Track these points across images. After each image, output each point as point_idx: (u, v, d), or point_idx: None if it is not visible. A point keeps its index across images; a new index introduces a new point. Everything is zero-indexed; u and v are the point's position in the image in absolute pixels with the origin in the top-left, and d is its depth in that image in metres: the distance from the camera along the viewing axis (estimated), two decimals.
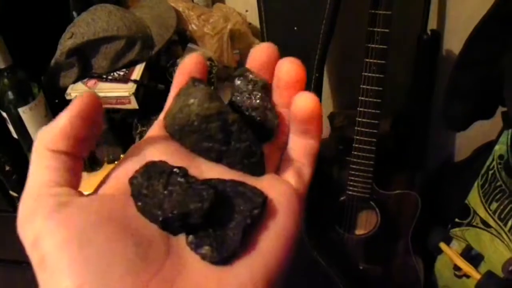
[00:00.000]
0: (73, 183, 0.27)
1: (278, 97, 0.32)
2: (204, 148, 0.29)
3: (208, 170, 0.29)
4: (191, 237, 0.25)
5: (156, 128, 0.31)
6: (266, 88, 0.32)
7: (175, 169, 0.26)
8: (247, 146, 0.28)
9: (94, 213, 0.25)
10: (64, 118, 0.27)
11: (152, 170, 0.26)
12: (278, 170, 0.31)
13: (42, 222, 0.24)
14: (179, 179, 0.26)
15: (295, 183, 0.30)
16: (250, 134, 0.28)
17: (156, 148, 0.29)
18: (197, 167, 0.29)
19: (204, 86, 0.28)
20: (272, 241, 0.26)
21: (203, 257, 0.25)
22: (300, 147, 0.31)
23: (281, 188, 0.29)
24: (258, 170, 0.29)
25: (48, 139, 0.27)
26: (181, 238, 0.26)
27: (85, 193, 0.27)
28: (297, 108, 0.30)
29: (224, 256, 0.25)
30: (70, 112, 0.27)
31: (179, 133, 0.29)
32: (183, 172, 0.26)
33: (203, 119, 0.27)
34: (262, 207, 0.26)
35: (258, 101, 0.31)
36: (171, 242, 0.25)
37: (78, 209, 0.25)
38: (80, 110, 0.27)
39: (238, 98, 0.31)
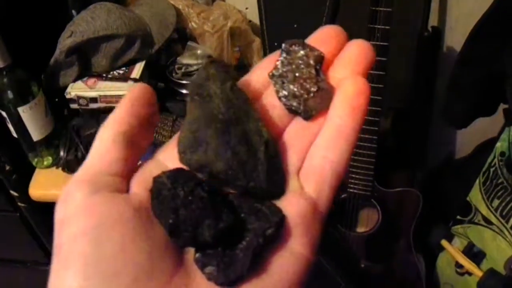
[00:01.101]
0: (125, 173, 0.26)
1: (336, 72, 0.29)
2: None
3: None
4: (198, 254, 0.24)
5: None
6: (321, 59, 0.29)
7: (203, 182, 0.25)
8: (245, 186, 0.26)
9: (121, 207, 0.24)
10: (125, 101, 0.27)
11: (180, 176, 0.25)
12: (302, 169, 0.28)
13: (71, 208, 0.24)
14: (203, 193, 0.24)
15: (316, 193, 0.27)
16: (243, 178, 0.26)
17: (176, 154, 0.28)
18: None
19: (197, 112, 0.26)
20: (285, 265, 0.24)
21: (209, 277, 0.24)
22: (337, 127, 0.28)
23: (301, 206, 0.26)
24: (272, 195, 0.27)
25: (113, 121, 0.27)
26: (192, 253, 0.25)
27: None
28: (350, 84, 0.28)
29: (230, 278, 0.23)
30: (129, 97, 0.27)
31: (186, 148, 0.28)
32: (211, 187, 0.25)
33: (191, 168, 0.26)
34: (277, 228, 0.24)
35: (311, 71, 0.28)
36: (183, 256, 0.25)
37: (105, 201, 0.24)
38: (137, 96, 0.27)
39: (286, 68, 0.29)
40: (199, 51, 1.25)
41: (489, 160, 1.21)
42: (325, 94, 0.28)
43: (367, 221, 1.42)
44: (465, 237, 1.30)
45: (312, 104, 0.28)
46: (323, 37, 0.30)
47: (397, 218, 1.37)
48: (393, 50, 1.12)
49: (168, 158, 0.28)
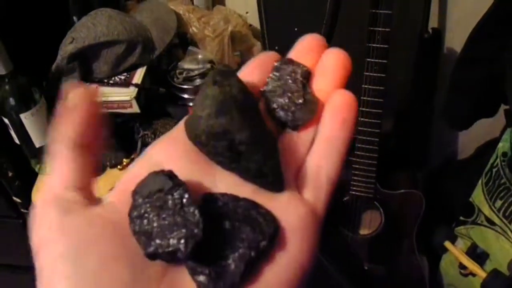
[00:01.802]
0: (85, 186, 0.26)
1: (318, 84, 0.31)
2: (216, 162, 0.27)
3: (223, 179, 0.27)
4: (190, 261, 0.24)
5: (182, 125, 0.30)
6: (307, 75, 0.30)
7: (175, 188, 0.24)
8: (258, 168, 0.26)
9: (95, 225, 0.24)
10: (66, 110, 0.27)
11: (153, 184, 0.25)
12: (298, 177, 0.28)
13: (45, 231, 0.24)
14: (175, 201, 0.24)
15: (313, 198, 0.27)
16: (260, 156, 0.26)
17: (171, 151, 0.27)
18: (211, 175, 0.27)
19: (219, 90, 0.26)
20: (279, 273, 0.24)
21: (199, 286, 0.23)
22: (328, 139, 0.29)
23: (298, 211, 0.26)
24: (274, 188, 0.27)
25: (62, 134, 0.26)
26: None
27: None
28: (337, 97, 0.29)
29: None
30: (68, 105, 0.27)
31: (193, 141, 0.27)
32: (181, 193, 0.24)
33: (209, 136, 0.25)
34: (270, 240, 0.24)
35: (298, 85, 0.30)
36: (168, 266, 0.24)
37: (81, 220, 0.24)
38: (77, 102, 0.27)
39: (275, 83, 0.30)
40: (200, 56, 1.25)
41: (491, 160, 1.21)
42: (311, 105, 0.29)
43: (370, 223, 1.41)
44: (468, 238, 1.30)
45: (299, 115, 0.29)
46: (305, 49, 0.32)
47: (400, 220, 1.37)
48: (394, 52, 1.12)
49: (165, 157, 0.27)
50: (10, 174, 1.15)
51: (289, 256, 0.25)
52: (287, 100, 0.30)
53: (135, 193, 0.25)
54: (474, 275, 1.27)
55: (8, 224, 1.26)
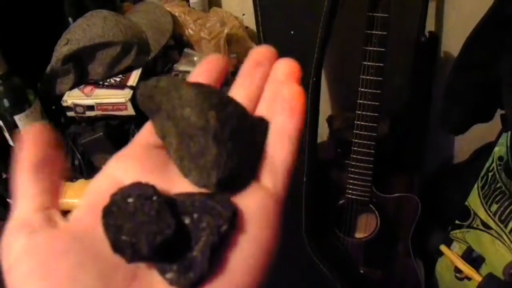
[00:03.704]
0: (51, 206, 0.27)
1: (270, 92, 0.32)
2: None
3: (180, 182, 0.28)
4: (159, 262, 0.24)
5: (144, 132, 0.31)
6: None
7: (155, 195, 0.25)
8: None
9: (62, 240, 0.25)
10: (25, 139, 0.28)
11: (134, 190, 0.25)
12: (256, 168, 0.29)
13: (14, 254, 0.24)
14: (152, 205, 0.24)
15: (272, 185, 0.28)
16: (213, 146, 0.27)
17: (127, 165, 0.29)
18: (169, 179, 0.28)
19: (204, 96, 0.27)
20: (244, 258, 0.25)
21: (170, 283, 0.24)
22: (280, 132, 0.29)
23: (256, 196, 0.27)
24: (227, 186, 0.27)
25: (21, 161, 0.27)
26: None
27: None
28: (286, 89, 0.30)
29: (192, 280, 0.23)
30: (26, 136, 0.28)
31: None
32: (164, 198, 0.25)
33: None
34: (230, 222, 0.25)
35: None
36: (139, 265, 0.25)
37: (46, 237, 0.25)
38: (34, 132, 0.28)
39: None
40: (196, 58, 1.25)
41: (487, 164, 1.21)
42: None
43: (366, 226, 1.41)
44: (464, 242, 1.30)
45: None
46: (254, 63, 0.33)
47: (396, 223, 1.37)
48: (390, 55, 1.12)
49: (122, 171, 0.28)
50: (4, 176, 1.14)
51: (251, 239, 0.25)
52: None
53: (114, 194, 0.25)
54: (469, 279, 1.28)
55: (2, 226, 1.25)
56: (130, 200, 0.25)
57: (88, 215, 0.26)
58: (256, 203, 0.26)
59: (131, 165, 0.28)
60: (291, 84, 0.31)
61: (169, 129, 0.28)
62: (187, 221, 0.25)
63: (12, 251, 0.25)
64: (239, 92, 0.32)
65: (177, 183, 0.28)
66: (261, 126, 0.30)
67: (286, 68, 0.32)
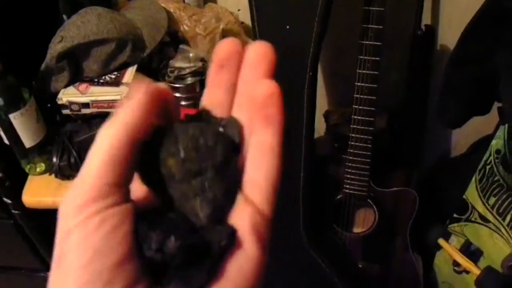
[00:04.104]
0: (123, 180, 0.27)
1: (243, 84, 0.31)
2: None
3: None
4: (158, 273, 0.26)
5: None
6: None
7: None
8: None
9: (121, 224, 0.25)
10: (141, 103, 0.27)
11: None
12: (244, 186, 0.29)
13: (76, 220, 0.25)
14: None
15: (262, 204, 0.28)
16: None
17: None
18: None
19: (195, 130, 0.28)
20: (241, 267, 0.27)
21: None
22: (260, 148, 0.29)
23: (248, 215, 0.28)
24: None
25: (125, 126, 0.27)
26: None
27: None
28: (258, 90, 0.29)
29: None
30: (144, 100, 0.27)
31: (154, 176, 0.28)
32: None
33: (184, 174, 0.28)
34: (230, 239, 0.26)
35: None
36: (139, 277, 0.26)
37: (109, 217, 0.25)
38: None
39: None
40: (191, 54, 1.24)
41: (484, 158, 1.21)
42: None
43: (364, 221, 1.41)
44: (462, 235, 1.30)
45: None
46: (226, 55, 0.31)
47: (394, 217, 1.37)
48: (387, 49, 1.11)
49: None
50: (0, 175, 1.13)
51: (247, 252, 0.27)
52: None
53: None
54: (468, 272, 1.28)
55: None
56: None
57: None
58: (248, 223, 0.27)
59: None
60: (263, 82, 0.29)
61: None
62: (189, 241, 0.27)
63: (75, 216, 0.25)
64: (209, 100, 0.32)
65: None
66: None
67: (255, 60, 0.30)
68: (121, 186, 0.26)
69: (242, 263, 0.27)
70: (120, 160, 0.26)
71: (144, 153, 0.27)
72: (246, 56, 0.31)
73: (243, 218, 0.28)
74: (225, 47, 0.31)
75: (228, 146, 0.29)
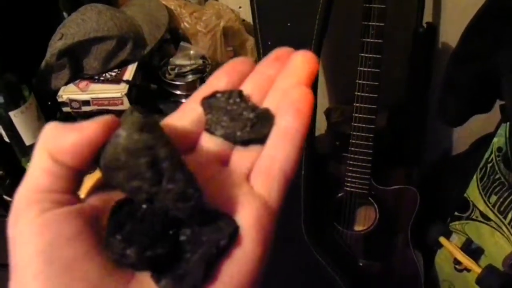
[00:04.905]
0: (70, 189, 0.26)
1: (282, 84, 0.31)
2: (133, 188, 0.25)
3: None
4: (153, 269, 0.25)
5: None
6: (241, 95, 0.31)
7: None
8: (181, 188, 0.24)
9: (70, 225, 0.24)
10: (79, 134, 0.25)
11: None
12: (251, 173, 0.29)
13: (22, 227, 0.24)
14: (154, 217, 0.25)
15: (268, 193, 0.28)
16: (184, 174, 0.25)
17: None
18: None
19: (138, 115, 0.24)
20: (239, 265, 0.26)
21: None
22: (283, 132, 0.29)
23: (253, 208, 0.27)
24: (195, 217, 0.26)
25: (54, 147, 0.25)
26: None
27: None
28: (294, 91, 0.29)
29: None
30: (88, 130, 0.25)
31: (107, 170, 0.25)
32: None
33: (131, 153, 0.24)
34: (230, 238, 0.25)
35: (241, 105, 0.30)
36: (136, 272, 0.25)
37: (56, 219, 0.24)
38: (99, 131, 0.25)
39: (215, 115, 0.30)
40: (192, 52, 1.24)
41: (486, 156, 1.20)
42: (263, 122, 0.29)
43: (365, 219, 1.41)
44: (463, 233, 1.29)
45: (247, 135, 0.29)
46: (271, 59, 0.32)
47: (395, 216, 1.37)
48: (388, 47, 1.11)
49: None
50: (0, 172, 1.13)
51: (245, 251, 0.26)
52: (235, 126, 0.30)
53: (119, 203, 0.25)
54: (469, 270, 1.27)
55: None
56: (144, 206, 0.25)
57: (101, 203, 0.26)
58: (252, 217, 0.27)
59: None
60: (300, 86, 0.29)
61: None
62: (188, 232, 0.25)
63: (21, 222, 0.24)
64: (249, 83, 0.32)
65: None
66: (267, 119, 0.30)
67: (300, 66, 0.30)
68: (63, 189, 0.25)
69: (241, 263, 0.26)
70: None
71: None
72: (289, 62, 0.31)
73: (249, 213, 0.27)
74: (284, 50, 0.32)
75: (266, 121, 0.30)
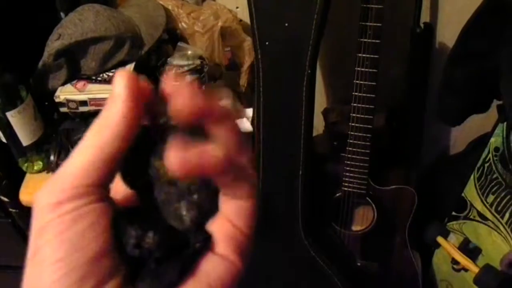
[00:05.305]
0: (103, 182, 0.27)
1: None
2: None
3: None
4: (130, 272, 0.26)
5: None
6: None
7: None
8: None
9: (94, 222, 0.25)
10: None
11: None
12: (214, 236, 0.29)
13: (51, 214, 0.25)
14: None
15: (240, 224, 0.28)
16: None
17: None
18: None
19: None
20: (212, 270, 0.27)
21: None
22: (232, 210, 0.29)
23: (226, 228, 0.28)
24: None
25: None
26: None
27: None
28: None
29: None
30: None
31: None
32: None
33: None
34: (205, 242, 0.27)
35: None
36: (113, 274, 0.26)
37: (83, 214, 0.25)
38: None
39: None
40: (189, 52, 1.24)
41: (483, 155, 1.21)
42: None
43: (363, 219, 1.41)
44: (461, 233, 1.30)
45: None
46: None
47: (393, 215, 1.37)
48: (386, 47, 1.11)
49: None
50: None
51: (222, 254, 0.27)
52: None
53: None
54: (466, 270, 1.28)
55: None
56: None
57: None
58: (224, 234, 0.28)
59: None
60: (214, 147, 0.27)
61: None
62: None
63: (48, 213, 0.25)
64: None
65: None
66: None
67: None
68: (100, 186, 0.26)
69: (217, 266, 0.27)
70: (105, 162, 0.26)
71: (129, 154, 0.27)
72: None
73: (221, 229, 0.28)
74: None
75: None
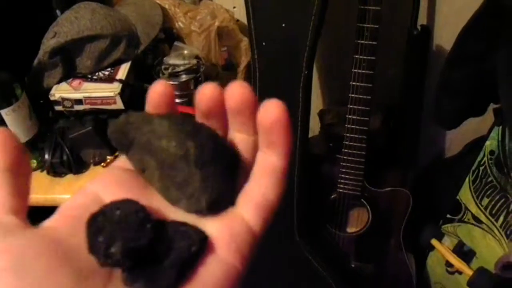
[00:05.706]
0: (20, 210, 0.27)
1: (239, 124, 0.31)
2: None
3: (158, 203, 0.29)
4: (125, 273, 0.25)
5: (122, 160, 0.31)
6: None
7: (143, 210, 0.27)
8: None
9: (36, 243, 0.25)
10: None
11: (124, 205, 0.26)
12: (239, 198, 0.30)
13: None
14: (136, 217, 0.26)
15: (252, 219, 0.29)
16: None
17: (106, 181, 0.30)
18: (146, 201, 0.28)
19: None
20: (210, 275, 0.26)
21: None
22: (264, 167, 0.30)
23: (234, 228, 0.28)
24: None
25: None
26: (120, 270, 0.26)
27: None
28: (261, 115, 0.29)
29: None
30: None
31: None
32: (143, 215, 0.26)
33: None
34: (200, 244, 0.26)
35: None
36: (112, 275, 0.26)
37: (21, 238, 0.25)
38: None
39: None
40: (186, 51, 1.23)
41: (478, 158, 1.21)
42: None
43: (357, 221, 1.41)
44: (455, 236, 1.30)
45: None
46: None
47: (387, 217, 1.37)
48: (383, 48, 1.11)
49: (102, 189, 0.29)
50: None
51: (219, 259, 0.27)
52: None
53: (105, 205, 0.26)
54: (460, 272, 1.28)
55: None
56: (117, 212, 0.26)
57: (64, 225, 0.27)
58: (228, 233, 0.28)
59: (110, 182, 0.30)
60: (271, 102, 0.29)
61: (148, 162, 0.29)
62: (160, 244, 0.26)
63: None
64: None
65: (155, 203, 0.29)
66: (235, 148, 0.31)
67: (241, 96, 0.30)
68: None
69: (215, 269, 0.26)
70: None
71: (142, 136, 0.28)
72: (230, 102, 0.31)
73: (226, 228, 0.28)
74: (207, 95, 0.31)
75: (238, 153, 0.30)
